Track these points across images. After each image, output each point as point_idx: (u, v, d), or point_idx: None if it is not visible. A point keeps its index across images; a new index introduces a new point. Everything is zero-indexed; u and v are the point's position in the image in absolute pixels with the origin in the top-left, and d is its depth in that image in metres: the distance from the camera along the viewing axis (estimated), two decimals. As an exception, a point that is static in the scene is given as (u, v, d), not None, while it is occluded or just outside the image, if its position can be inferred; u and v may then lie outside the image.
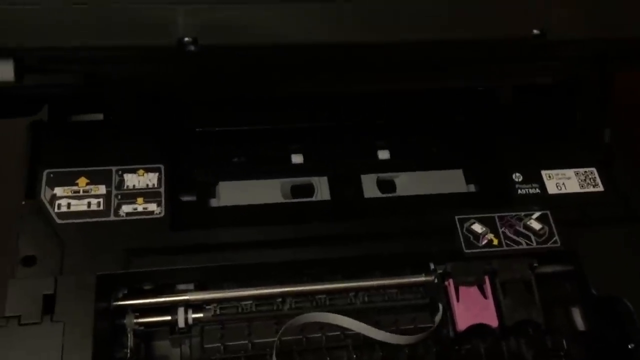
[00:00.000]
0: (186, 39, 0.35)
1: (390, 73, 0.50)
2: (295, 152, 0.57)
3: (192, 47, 0.34)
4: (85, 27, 0.33)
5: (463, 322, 0.47)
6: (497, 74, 0.53)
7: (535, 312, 0.48)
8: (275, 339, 0.47)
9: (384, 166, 0.57)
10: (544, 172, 0.55)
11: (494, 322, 0.48)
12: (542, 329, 0.49)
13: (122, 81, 0.44)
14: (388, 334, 0.48)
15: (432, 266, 0.50)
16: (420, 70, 0.50)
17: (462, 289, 0.48)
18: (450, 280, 0.49)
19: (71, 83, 0.41)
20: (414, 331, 0.49)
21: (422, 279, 0.50)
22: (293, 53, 0.38)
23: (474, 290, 0.49)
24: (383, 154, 0.58)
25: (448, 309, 0.48)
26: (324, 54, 0.40)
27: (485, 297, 0.48)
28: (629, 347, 0.48)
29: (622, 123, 0.57)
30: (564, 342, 0.50)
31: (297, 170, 0.56)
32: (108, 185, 0.50)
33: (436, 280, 0.49)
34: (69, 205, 0.49)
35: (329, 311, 0.49)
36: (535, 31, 0.36)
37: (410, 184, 0.56)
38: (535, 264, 0.50)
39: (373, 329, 0.48)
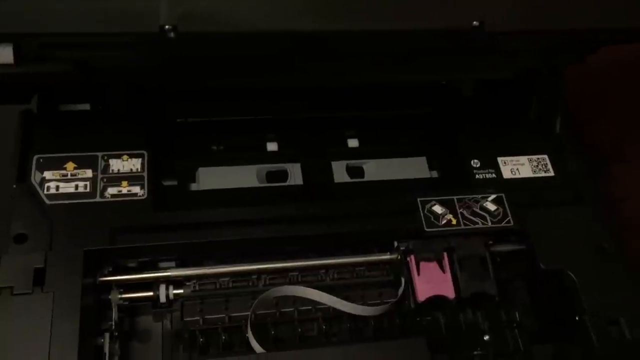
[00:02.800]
0: (167, 26, 0.38)
1: (357, 64, 0.54)
2: (271, 141, 0.60)
3: (172, 34, 0.38)
4: (77, 15, 0.37)
5: (422, 293, 0.51)
6: (455, 68, 0.57)
7: (489, 285, 0.52)
8: (250, 313, 0.51)
9: (353, 154, 0.61)
10: (499, 159, 0.59)
11: (451, 294, 0.52)
12: (497, 301, 0.53)
13: (110, 69, 0.48)
14: (353, 305, 0.52)
15: (395, 244, 0.54)
16: (383, 64, 0.54)
17: (422, 264, 0.52)
18: (412, 256, 0.53)
19: (63, 71, 0.44)
20: (380, 305, 0.53)
21: (387, 257, 0.54)
22: (266, 41, 0.42)
23: (434, 265, 0.53)
24: (352, 143, 0.62)
25: (410, 282, 0.52)
26: (298, 42, 0.43)
27: (443, 271, 0.52)
28: (576, 318, 0.52)
29: (572, 114, 0.61)
30: (517, 314, 0.54)
31: (272, 157, 0.59)
32: (94, 169, 0.53)
33: (399, 257, 0.53)
34: (57, 187, 0.52)
35: (301, 288, 0.53)
36: (474, 23, 0.40)
37: (378, 170, 0.60)
38: (490, 242, 0.54)
39: (339, 300, 0.52)
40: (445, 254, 0.53)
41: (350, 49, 0.47)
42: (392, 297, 0.53)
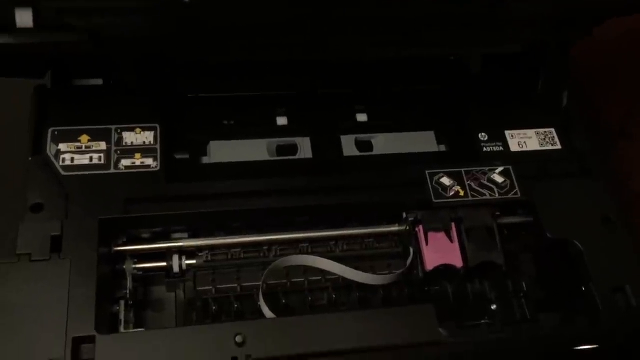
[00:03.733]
0: (181, -10, 0.39)
1: (366, 39, 0.55)
2: (280, 115, 0.61)
3: (187, -1, 0.39)
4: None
5: (431, 262, 0.52)
6: (463, 42, 0.57)
7: (496, 254, 0.53)
8: (261, 282, 0.52)
9: (362, 127, 0.61)
10: (507, 132, 0.60)
11: (458, 263, 0.52)
12: (503, 270, 0.54)
13: (123, 39, 0.49)
14: (362, 273, 0.53)
15: (404, 215, 0.54)
16: (393, 38, 0.54)
17: (430, 234, 0.53)
18: (420, 227, 0.53)
19: (78, 40, 0.45)
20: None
21: (395, 228, 0.55)
22: (278, 5, 0.43)
23: (442, 235, 0.53)
24: (361, 117, 0.62)
25: (418, 252, 0.53)
26: (309, 4, 0.44)
27: (451, 241, 0.53)
28: (582, 288, 0.53)
29: (579, 88, 0.61)
30: (524, 284, 0.55)
31: (282, 131, 0.60)
32: (108, 141, 0.54)
33: (407, 227, 0.54)
34: (72, 159, 0.53)
35: (310, 259, 0.53)
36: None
37: (386, 143, 0.61)
38: (497, 213, 0.54)
39: (348, 268, 0.53)
40: (453, 224, 0.53)
41: (360, 14, 0.48)
42: (400, 268, 0.54)
